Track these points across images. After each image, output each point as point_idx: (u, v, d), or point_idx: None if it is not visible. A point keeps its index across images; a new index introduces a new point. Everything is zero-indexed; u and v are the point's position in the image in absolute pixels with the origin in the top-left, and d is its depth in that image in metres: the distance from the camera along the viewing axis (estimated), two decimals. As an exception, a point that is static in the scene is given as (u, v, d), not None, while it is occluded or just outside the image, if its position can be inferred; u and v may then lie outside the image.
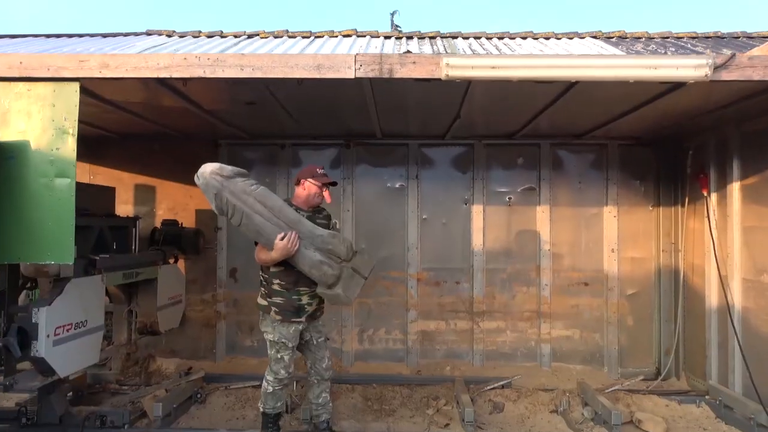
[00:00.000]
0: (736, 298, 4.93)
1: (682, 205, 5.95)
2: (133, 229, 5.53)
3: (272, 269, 3.88)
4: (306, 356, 4.16)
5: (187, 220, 6.31)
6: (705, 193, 5.40)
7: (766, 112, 4.41)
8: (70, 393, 5.15)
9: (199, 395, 5.22)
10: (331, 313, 6.25)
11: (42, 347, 3.74)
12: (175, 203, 6.41)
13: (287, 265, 3.80)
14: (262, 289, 4.00)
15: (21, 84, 3.44)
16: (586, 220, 6.26)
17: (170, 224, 6.01)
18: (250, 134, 6.11)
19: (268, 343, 4.01)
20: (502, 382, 5.51)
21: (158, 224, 6.14)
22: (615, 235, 6.18)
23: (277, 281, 3.89)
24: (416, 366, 6.20)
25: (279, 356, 3.95)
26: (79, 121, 5.38)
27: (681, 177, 5.97)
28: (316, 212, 4.05)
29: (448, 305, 6.29)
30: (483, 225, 6.24)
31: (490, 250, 6.26)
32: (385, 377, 5.84)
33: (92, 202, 5.00)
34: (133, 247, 5.51)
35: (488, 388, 5.40)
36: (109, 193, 5.48)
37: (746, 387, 4.70)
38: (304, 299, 3.90)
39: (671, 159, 6.12)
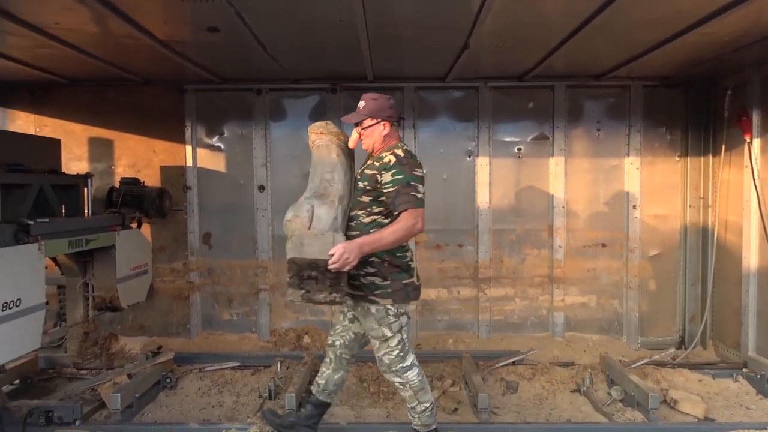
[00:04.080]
0: (785, 259, 4.29)
1: (715, 154, 5.26)
2: (85, 189, 4.72)
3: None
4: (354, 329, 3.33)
5: (151, 179, 5.49)
6: (747, 139, 4.72)
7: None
8: (16, 381, 4.48)
9: (168, 379, 4.54)
10: (318, 281, 5.57)
11: (-44, 334, 2.99)
12: (136, 159, 5.57)
13: None
14: None
15: None
16: (605, 173, 5.54)
17: (130, 183, 5.17)
18: (220, 77, 5.25)
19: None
20: (514, 358, 4.87)
21: (117, 183, 5.32)
22: (637, 190, 5.49)
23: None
24: (415, 339, 5.54)
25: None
26: (12, 59, 4.59)
27: (714, 122, 5.26)
28: (375, 160, 3.09)
29: (450, 271, 5.60)
30: (489, 180, 5.51)
31: (497, 209, 5.55)
32: (382, 353, 5.19)
33: (28, 156, 4.18)
34: (86, 210, 4.71)
35: (500, 365, 4.76)
36: (52, 145, 4.64)
37: (795, 359, 4.13)
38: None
39: (703, 101, 5.40)
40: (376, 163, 3.02)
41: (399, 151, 2.99)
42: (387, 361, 3.08)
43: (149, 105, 5.52)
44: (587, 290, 5.58)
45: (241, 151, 5.57)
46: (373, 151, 3.14)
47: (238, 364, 4.87)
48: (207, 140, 5.58)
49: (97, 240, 4.41)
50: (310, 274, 2.85)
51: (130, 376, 4.46)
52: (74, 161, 5.53)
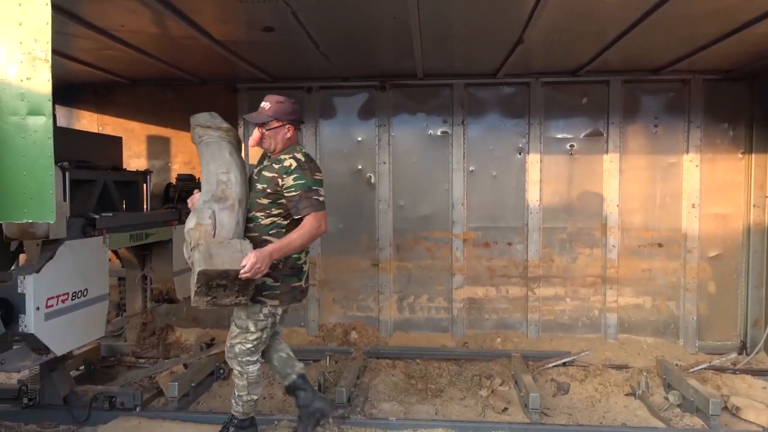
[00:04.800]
0: None
1: (783, 151, 5.00)
2: (144, 185, 4.90)
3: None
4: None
5: (206, 176, 5.64)
6: (818, 135, 4.46)
7: None
8: (82, 367, 4.70)
9: (222, 371, 4.66)
10: (366, 278, 5.63)
11: (31, 322, 3.14)
12: (191, 156, 5.74)
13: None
14: None
15: (-21, -2, 2.74)
16: (663, 170, 5.35)
17: (186, 179, 5.35)
18: (272, 76, 5.35)
19: None
20: (565, 359, 4.78)
21: (173, 179, 5.50)
22: (696, 188, 5.28)
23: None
24: (462, 337, 5.52)
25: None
26: (80, 62, 4.84)
27: (782, 117, 5.00)
28: (273, 161, 3.08)
29: (498, 269, 5.54)
30: (540, 177, 5.41)
31: (548, 207, 5.45)
32: (429, 351, 5.19)
33: (93, 154, 4.37)
34: (145, 205, 4.89)
35: (550, 365, 4.68)
36: (114, 143, 4.84)
37: None
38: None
39: (770, 95, 5.14)
40: (275, 165, 3.01)
41: (299, 155, 3.02)
42: (237, 350, 3.15)
43: (204, 104, 5.54)
44: (642, 291, 5.41)
45: (292, 148, 5.65)
46: (273, 152, 3.10)
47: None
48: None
49: (156, 234, 4.57)
50: (219, 283, 2.80)
51: (185, 366, 4.61)
52: (133, 158, 5.75)
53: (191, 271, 2.90)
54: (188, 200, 3.14)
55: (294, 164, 2.98)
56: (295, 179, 2.94)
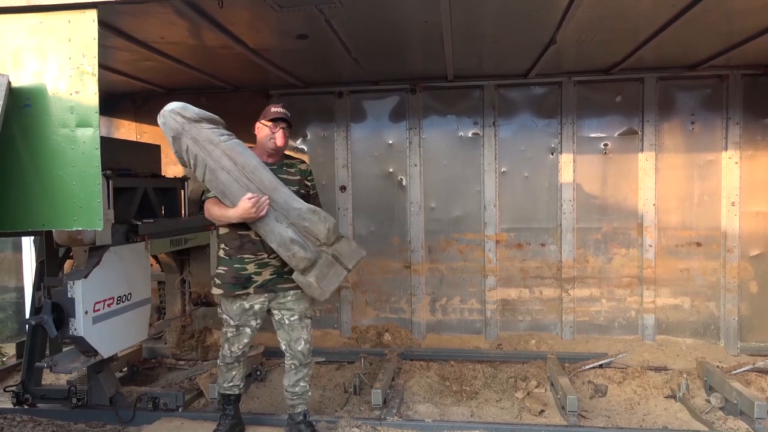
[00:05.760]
0: None
1: (827, 147, 4.85)
2: (182, 191, 5.03)
3: (220, 231, 3.29)
4: (279, 336, 3.37)
5: (240, 181, 5.76)
6: None
7: None
8: (125, 368, 4.85)
9: (259, 372, 4.76)
10: (398, 280, 5.66)
11: (80, 325, 3.29)
12: (226, 162, 5.85)
13: (233, 226, 3.14)
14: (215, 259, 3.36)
15: (32, 15, 2.87)
16: (700, 168, 5.24)
17: (221, 185, 5.46)
18: (304, 81, 5.43)
19: None
20: (602, 361, 4.72)
21: (209, 186, 5.62)
22: (736, 186, 5.15)
23: (222, 246, 3.25)
24: (496, 339, 5.50)
25: (224, 332, 3.33)
26: (119, 73, 4.99)
27: (827, 111, 4.85)
28: (284, 165, 3.27)
29: (532, 270, 5.50)
30: (573, 177, 5.35)
31: (582, 207, 5.39)
32: (463, 352, 5.19)
33: (134, 162, 4.50)
34: (182, 211, 5.02)
35: (587, 367, 4.64)
36: (153, 151, 4.98)
37: None
38: (250, 268, 3.18)
39: (813, 90, 4.99)
40: (292, 169, 3.30)
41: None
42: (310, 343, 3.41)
43: (238, 110, 5.73)
44: (680, 291, 5.30)
45: (323, 152, 5.73)
46: (275, 153, 3.24)
47: (323, 359, 5.04)
48: (291, 143, 5.79)
49: (194, 239, 4.71)
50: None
51: (224, 367, 4.71)
52: (170, 165, 5.88)
53: (320, 268, 3.13)
54: (252, 209, 2.98)
55: (307, 166, 3.42)
56: (313, 180, 3.41)
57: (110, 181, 3.69)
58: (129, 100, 5.95)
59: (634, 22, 3.77)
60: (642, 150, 5.26)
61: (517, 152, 5.46)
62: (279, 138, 3.18)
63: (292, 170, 3.29)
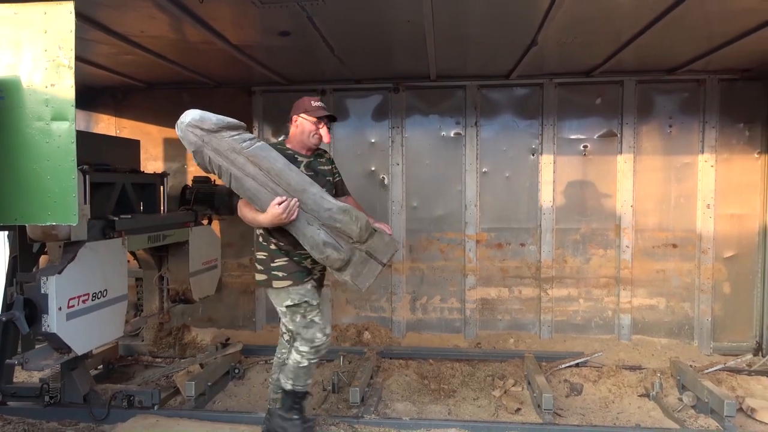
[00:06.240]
0: None
1: (800, 152, 4.96)
2: (161, 187, 4.98)
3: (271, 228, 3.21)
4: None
5: (221, 177, 5.72)
6: (836, 135, 4.42)
7: None
8: (100, 366, 4.79)
9: (237, 370, 4.74)
10: (379, 278, 5.62)
11: (53, 322, 3.23)
12: (207, 159, 5.80)
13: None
14: (261, 255, 3.26)
15: (6, 6, 2.81)
16: (677, 171, 5.33)
17: (202, 182, 5.40)
18: (287, 79, 5.40)
19: (286, 315, 3.24)
20: (578, 360, 4.78)
21: (189, 182, 5.57)
22: (711, 189, 5.25)
23: (274, 241, 3.21)
24: (475, 338, 5.54)
25: (309, 320, 3.21)
26: (99, 66, 4.92)
27: (800, 117, 4.96)
28: (317, 156, 3.31)
29: (511, 270, 5.55)
30: (553, 178, 5.41)
31: (561, 207, 5.45)
32: (442, 351, 5.22)
33: (113, 157, 4.44)
34: (161, 207, 4.97)
35: (563, 366, 4.69)
36: (132, 146, 4.92)
37: None
38: (307, 262, 3.22)
39: (787, 96, 5.10)
40: (323, 159, 3.35)
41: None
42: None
43: (220, 107, 5.53)
44: (656, 292, 5.39)
45: (306, 150, 5.70)
46: (311, 147, 3.25)
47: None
48: (273, 140, 5.73)
49: (173, 235, 4.65)
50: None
51: (201, 365, 4.68)
52: (150, 161, 5.84)
53: (355, 266, 3.15)
54: (282, 214, 2.96)
55: (330, 154, 3.49)
56: (336, 167, 3.46)
57: (87, 176, 3.63)
58: (109, 94, 5.87)
59: (614, 24, 3.82)
60: (621, 152, 5.34)
61: (498, 152, 5.50)
62: (325, 135, 3.21)
63: (322, 160, 3.33)
